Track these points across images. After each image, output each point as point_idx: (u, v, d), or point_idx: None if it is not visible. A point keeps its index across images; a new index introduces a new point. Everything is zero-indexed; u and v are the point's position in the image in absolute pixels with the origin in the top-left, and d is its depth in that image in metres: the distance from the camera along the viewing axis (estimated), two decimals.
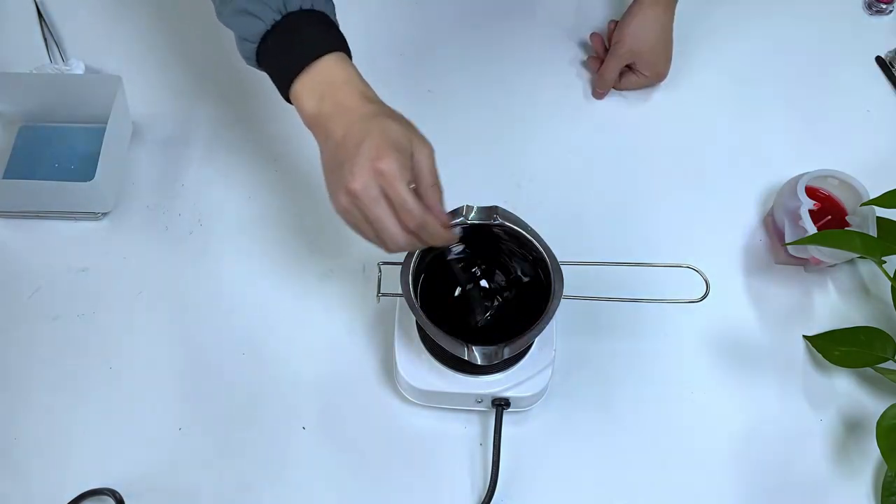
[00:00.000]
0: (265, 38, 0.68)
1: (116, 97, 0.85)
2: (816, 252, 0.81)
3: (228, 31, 0.70)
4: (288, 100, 0.69)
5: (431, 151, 0.65)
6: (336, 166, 0.64)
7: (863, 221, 0.82)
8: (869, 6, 1.07)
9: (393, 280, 0.71)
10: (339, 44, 0.69)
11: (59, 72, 0.93)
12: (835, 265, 0.87)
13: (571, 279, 0.71)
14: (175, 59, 0.99)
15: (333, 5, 0.71)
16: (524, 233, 0.72)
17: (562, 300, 0.69)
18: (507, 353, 0.68)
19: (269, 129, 0.94)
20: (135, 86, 0.91)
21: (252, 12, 0.67)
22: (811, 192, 0.84)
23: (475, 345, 0.67)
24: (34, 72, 0.93)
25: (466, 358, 0.67)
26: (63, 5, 1.01)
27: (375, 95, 0.68)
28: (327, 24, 0.69)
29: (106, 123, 0.84)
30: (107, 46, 0.98)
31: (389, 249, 0.65)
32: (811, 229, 0.80)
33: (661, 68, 0.96)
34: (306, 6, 0.68)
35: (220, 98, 0.96)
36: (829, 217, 0.86)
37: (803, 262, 0.86)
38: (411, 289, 0.69)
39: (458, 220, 0.71)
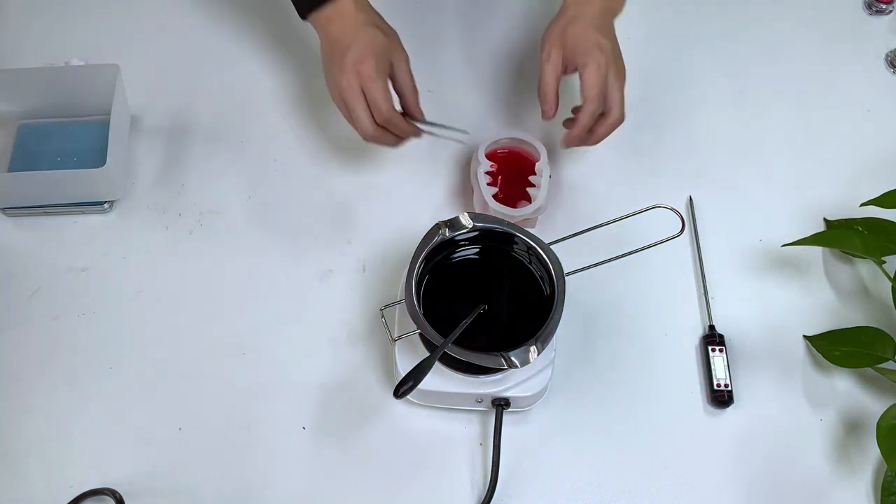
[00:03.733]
0: None
1: (117, 85, 0.85)
2: (498, 215, 0.82)
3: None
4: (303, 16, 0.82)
5: (407, 58, 0.82)
6: (330, 60, 0.80)
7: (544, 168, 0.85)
8: (869, 6, 1.07)
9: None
10: None
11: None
12: (529, 222, 0.86)
13: (560, 256, 0.73)
14: (175, 56, 0.99)
15: None
16: (520, 234, 0.73)
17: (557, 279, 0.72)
18: (536, 349, 0.68)
19: (269, 129, 0.94)
20: (133, 85, 0.91)
21: None
22: (493, 157, 0.87)
23: (503, 351, 0.68)
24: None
25: (506, 367, 0.68)
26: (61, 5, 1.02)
27: (368, 5, 0.82)
28: None
29: (105, 116, 0.84)
30: (102, 44, 0.99)
31: (363, 137, 0.80)
32: (486, 189, 0.84)
33: (600, 54, 0.79)
34: None
35: (220, 98, 0.96)
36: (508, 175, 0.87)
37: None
38: (426, 323, 0.69)
39: (462, 231, 0.73)
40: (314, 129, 0.94)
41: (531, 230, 0.75)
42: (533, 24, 1.03)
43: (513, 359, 0.67)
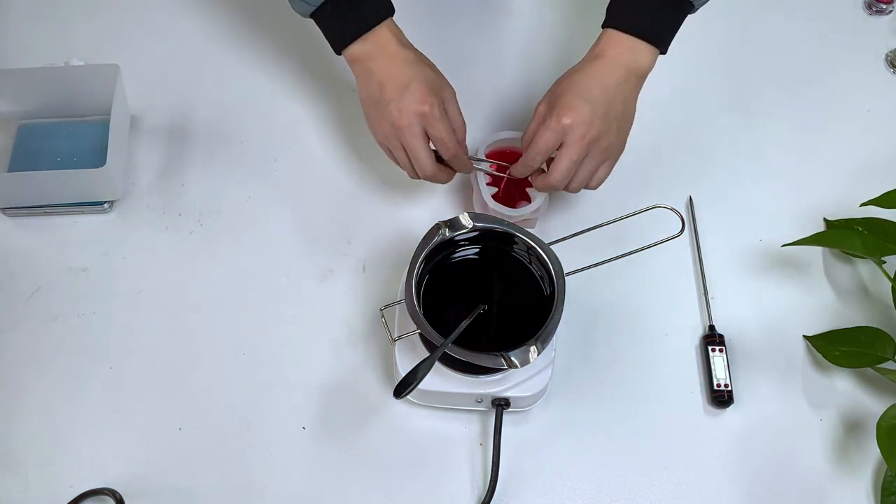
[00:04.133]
0: (325, 4, 0.75)
1: (117, 84, 0.85)
2: (498, 215, 0.82)
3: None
4: (339, 53, 0.79)
5: (454, 93, 0.80)
6: (379, 101, 0.77)
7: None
8: (869, 6, 1.07)
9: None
10: (387, 11, 0.77)
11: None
12: (528, 223, 0.86)
13: (560, 256, 0.73)
14: (174, 56, 0.99)
15: None
16: (520, 234, 0.73)
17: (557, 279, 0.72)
18: (536, 349, 0.68)
19: (269, 129, 0.94)
20: (133, 85, 0.91)
21: None
22: (499, 156, 0.86)
23: (503, 351, 0.68)
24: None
25: (506, 367, 0.68)
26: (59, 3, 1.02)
27: (409, 43, 0.79)
28: None
29: (105, 116, 0.84)
30: (102, 44, 0.99)
31: (417, 176, 0.79)
32: (485, 189, 0.84)
33: (564, 108, 0.74)
34: None
35: (220, 98, 0.96)
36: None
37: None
38: (426, 323, 0.69)
39: (462, 231, 0.73)
40: (314, 129, 0.94)
41: (531, 230, 0.75)
42: (533, 25, 1.03)
43: (513, 359, 0.67)
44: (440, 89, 0.77)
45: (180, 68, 0.98)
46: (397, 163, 0.80)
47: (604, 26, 0.79)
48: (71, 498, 0.73)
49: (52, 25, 1.00)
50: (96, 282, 0.85)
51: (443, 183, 0.81)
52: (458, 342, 0.69)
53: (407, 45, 0.78)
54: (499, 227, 0.74)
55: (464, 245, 0.76)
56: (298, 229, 0.89)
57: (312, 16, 0.77)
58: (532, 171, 0.79)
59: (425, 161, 0.77)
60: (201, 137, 0.94)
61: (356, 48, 0.77)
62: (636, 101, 0.79)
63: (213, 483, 0.76)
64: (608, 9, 0.79)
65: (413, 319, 0.69)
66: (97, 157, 0.86)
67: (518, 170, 0.80)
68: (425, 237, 0.72)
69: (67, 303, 0.83)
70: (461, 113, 0.80)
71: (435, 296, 0.73)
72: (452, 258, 0.76)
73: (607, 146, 0.77)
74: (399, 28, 0.79)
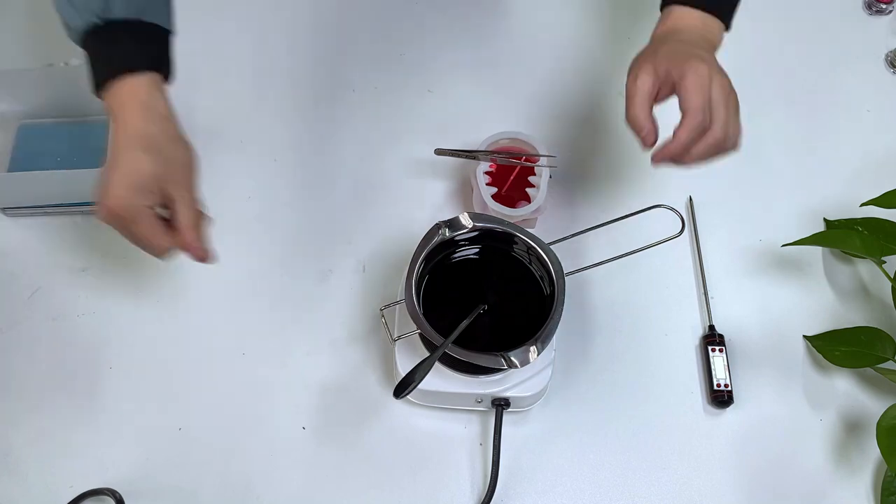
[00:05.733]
0: (85, 37, 0.67)
1: None
2: (498, 215, 0.82)
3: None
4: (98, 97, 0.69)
5: (189, 197, 0.67)
6: (102, 171, 0.66)
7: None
8: (869, 6, 1.07)
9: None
10: (151, 62, 0.68)
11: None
12: (528, 223, 0.86)
13: (560, 256, 0.73)
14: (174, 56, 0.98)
15: (170, 9, 0.69)
16: (520, 234, 0.73)
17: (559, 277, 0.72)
18: (536, 349, 0.68)
19: (268, 129, 0.94)
20: None
21: (75, 6, 0.66)
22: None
23: (503, 351, 0.68)
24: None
25: (505, 367, 0.68)
26: None
27: (166, 118, 0.68)
28: (150, 37, 0.68)
29: (104, 116, 0.83)
30: None
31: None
32: (485, 189, 0.83)
33: (700, 63, 0.67)
34: (132, 16, 0.66)
35: (219, 96, 0.96)
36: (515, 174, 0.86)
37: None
38: (426, 323, 0.69)
39: (462, 231, 0.73)
40: (314, 129, 0.94)
41: (531, 230, 0.75)
42: (533, 24, 1.03)
43: (513, 359, 0.67)
44: (150, 182, 0.65)
45: (180, 68, 0.98)
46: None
47: (664, 5, 0.74)
48: (71, 498, 0.73)
49: (52, 25, 1.00)
50: (96, 282, 0.85)
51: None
52: (458, 342, 0.69)
53: (152, 122, 0.66)
54: (499, 228, 0.74)
55: (464, 245, 0.76)
56: (298, 229, 0.89)
57: (85, 49, 0.68)
58: (687, 144, 0.67)
59: (153, 250, 0.68)
60: (201, 137, 0.93)
61: (107, 101, 0.67)
62: None
63: (213, 483, 0.76)
64: None
65: (413, 319, 0.69)
66: (97, 157, 0.86)
67: (683, 136, 0.66)
68: (425, 237, 0.72)
69: (67, 303, 0.83)
70: (193, 218, 0.67)
71: (435, 296, 0.73)
72: (452, 258, 0.76)
73: (730, 106, 0.69)
74: (160, 104, 0.68)
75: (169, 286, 0.85)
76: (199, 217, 0.69)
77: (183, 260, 0.86)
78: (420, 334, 0.73)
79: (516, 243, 0.75)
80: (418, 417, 0.79)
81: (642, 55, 0.72)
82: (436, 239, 0.72)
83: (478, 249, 0.76)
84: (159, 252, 0.68)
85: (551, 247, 0.74)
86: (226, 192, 0.90)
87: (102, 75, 0.67)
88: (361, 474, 0.77)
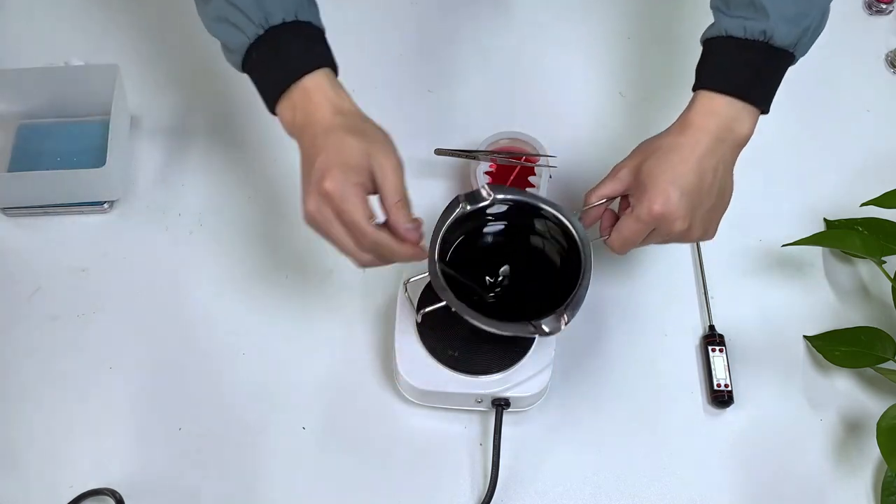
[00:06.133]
0: (249, 51, 0.67)
1: (116, 84, 0.85)
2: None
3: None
4: (273, 112, 0.69)
5: (396, 165, 0.65)
6: (303, 183, 0.65)
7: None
8: (869, 6, 1.07)
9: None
10: (321, 59, 0.68)
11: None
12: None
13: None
14: (174, 56, 0.99)
15: (317, 7, 0.70)
16: (544, 204, 0.73)
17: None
18: (567, 317, 0.68)
19: (268, 129, 0.94)
20: (133, 85, 0.91)
21: (234, 23, 0.65)
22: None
23: (534, 319, 0.67)
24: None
25: (532, 334, 0.67)
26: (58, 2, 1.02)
27: (351, 107, 0.67)
28: (311, 36, 0.68)
29: (105, 116, 0.84)
30: (102, 44, 0.98)
31: (358, 265, 0.66)
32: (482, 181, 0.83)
33: (658, 205, 0.67)
34: (289, 18, 0.66)
35: (220, 98, 0.96)
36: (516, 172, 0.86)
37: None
38: (451, 294, 0.68)
39: (479, 205, 0.71)
40: None
41: None
42: (533, 23, 1.03)
43: (544, 327, 0.66)
44: (362, 160, 0.64)
45: (180, 68, 0.98)
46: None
47: (695, 88, 0.71)
48: (71, 498, 0.73)
49: (51, 25, 1.00)
50: (96, 282, 0.85)
51: (412, 261, 0.67)
52: (485, 314, 0.67)
53: (342, 112, 0.66)
54: (522, 198, 0.73)
55: (486, 217, 0.75)
56: (298, 229, 0.88)
57: (245, 69, 0.68)
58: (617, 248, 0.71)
59: (352, 250, 0.65)
60: (201, 137, 0.94)
61: (285, 113, 0.67)
62: (732, 174, 0.72)
63: (213, 483, 0.76)
64: (697, 69, 0.71)
65: (438, 292, 0.68)
66: (97, 157, 0.86)
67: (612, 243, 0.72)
68: (445, 210, 0.71)
69: (67, 303, 0.83)
70: (399, 189, 0.65)
71: (458, 268, 0.72)
72: (476, 231, 0.75)
73: (690, 232, 0.69)
74: (342, 93, 0.68)
75: (169, 286, 0.85)
76: (405, 197, 0.65)
77: (182, 259, 0.86)
78: (445, 306, 0.71)
79: (541, 213, 0.74)
80: (418, 417, 0.79)
81: (639, 149, 0.72)
82: (456, 212, 0.71)
83: (501, 221, 0.75)
84: (364, 238, 0.63)
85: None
86: (226, 193, 0.90)
87: (280, 83, 0.66)
88: (361, 474, 0.77)
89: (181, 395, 0.80)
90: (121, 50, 0.97)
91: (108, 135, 0.83)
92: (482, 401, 0.76)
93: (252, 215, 0.89)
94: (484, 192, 0.72)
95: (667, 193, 0.67)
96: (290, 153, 0.93)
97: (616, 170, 0.73)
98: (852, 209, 0.87)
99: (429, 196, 0.91)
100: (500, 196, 0.72)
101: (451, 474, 0.77)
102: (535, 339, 0.75)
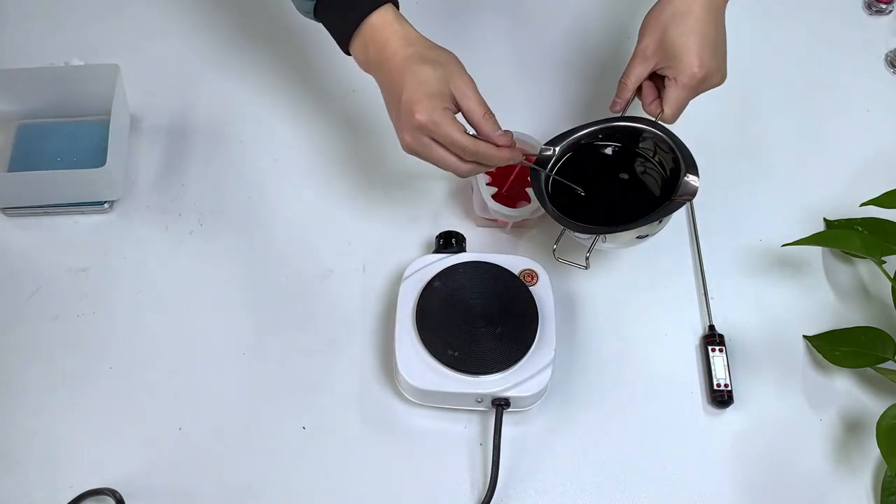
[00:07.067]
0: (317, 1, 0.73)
1: (116, 84, 0.86)
2: (498, 215, 0.84)
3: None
4: (347, 52, 0.75)
5: (471, 83, 0.71)
6: (392, 116, 0.73)
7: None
8: (869, 6, 1.07)
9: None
10: None
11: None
12: (528, 223, 0.87)
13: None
14: (174, 56, 0.99)
15: None
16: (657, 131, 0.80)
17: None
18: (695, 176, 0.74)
19: (269, 129, 0.94)
20: (133, 85, 0.91)
21: None
22: None
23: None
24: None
25: (669, 212, 0.74)
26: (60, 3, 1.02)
27: (418, 36, 0.72)
28: None
29: (105, 116, 0.84)
30: (102, 44, 0.98)
31: (461, 177, 0.73)
32: (485, 189, 0.84)
33: (697, 68, 0.76)
34: None
35: (220, 97, 0.96)
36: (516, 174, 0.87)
37: (502, 225, 0.87)
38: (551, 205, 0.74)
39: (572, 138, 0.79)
40: (314, 129, 0.94)
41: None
42: (534, 23, 1.03)
43: (690, 181, 0.74)
44: (441, 87, 0.70)
45: (180, 68, 0.98)
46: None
47: None
48: (71, 498, 0.73)
49: (52, 25, 1.00)
50: (96, 282, 0.85)
51: (510, 162, 0.73)
52: (606, 223, 0.74)
53: (411, 42, 0.71)
54: (617, 123, 0.79)
55: (585, 143, 0.80)
56: (298, 229, 0.89)
57: (317, 17, 0.74)
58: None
59: (456, 165, 0.72)
60: (201, 137, 0.94)
61: (358, 51, 0.73)
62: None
63: (213, 483, 0.76)
64: None
65: (558, 222, 0.74)
66: (97, 157, 0.86)
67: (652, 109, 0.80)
68: (537, 161, 0.78)
69: (67, 303, 0.83)
70: (481, 102, 0.71)
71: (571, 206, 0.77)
72: (576, 160, 0.80)
73: (720, 82, 0.80)
74: (406, 24, 0.72)
75: (169, 286, 0.85)
76: (489, 109, 0.72)
77: (182, 259, 0.86)
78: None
79: (642, 135, 0.79)
80: (418, 417, 0.79)
81: (654, 24, 0.78)
82: (547, 154, 0.77)
83: (609, 145, 0.80)
84: (465, 152, 0.70)
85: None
86: (226, 192, 0.90)
87: (351, 23, 0.72)
88: (361, 474, 0.77)
89: (181, 395, 0.80)
90: (121, 50, 0.97)
91: (108, 135, 0.83)
92: (482, 401, 0.76)
93: (252, 215, 0.89)
94: (548, 152, 0.78)
95: (701, 56, 0.75)
96: (289, 153, 0.93)
97: (639, 51, 0.79)
98: (852, 209, 0.87)
99: (429, 196, 0.91)
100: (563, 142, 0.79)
101: (451, 474, 0.77)
102: (535, 339, 0.76)
